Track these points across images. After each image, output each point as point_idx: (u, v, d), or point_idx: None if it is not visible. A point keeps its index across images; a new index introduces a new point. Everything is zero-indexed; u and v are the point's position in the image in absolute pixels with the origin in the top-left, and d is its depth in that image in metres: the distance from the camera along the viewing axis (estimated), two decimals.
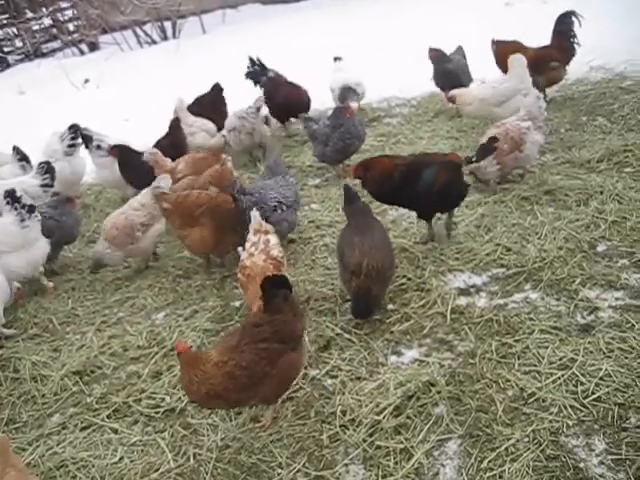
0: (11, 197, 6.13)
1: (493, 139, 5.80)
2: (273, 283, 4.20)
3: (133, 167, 7.46)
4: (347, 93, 8.64)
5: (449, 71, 8.52)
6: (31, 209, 6.18)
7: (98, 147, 8.10)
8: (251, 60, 9.70)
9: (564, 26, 8.30)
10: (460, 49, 9.07)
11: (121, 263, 6.54)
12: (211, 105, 8.99)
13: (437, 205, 5.76)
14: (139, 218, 6.28)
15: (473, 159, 5.68)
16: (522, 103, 7.14)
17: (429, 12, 13.58)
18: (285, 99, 8.93)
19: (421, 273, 5.44)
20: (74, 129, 8.16)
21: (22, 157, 8.12)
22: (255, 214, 5.37)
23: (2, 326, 5.89)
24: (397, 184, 5.60)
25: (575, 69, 8.89)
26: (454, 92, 7.74)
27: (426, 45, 9.11)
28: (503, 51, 8.20)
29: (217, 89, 9.32)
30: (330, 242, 6.17)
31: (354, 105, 7.87)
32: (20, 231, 6.07)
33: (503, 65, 8.02)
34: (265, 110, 8.69)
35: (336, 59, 9.16)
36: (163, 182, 6.33)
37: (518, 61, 7.53)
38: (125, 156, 7.58)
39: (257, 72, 9.59)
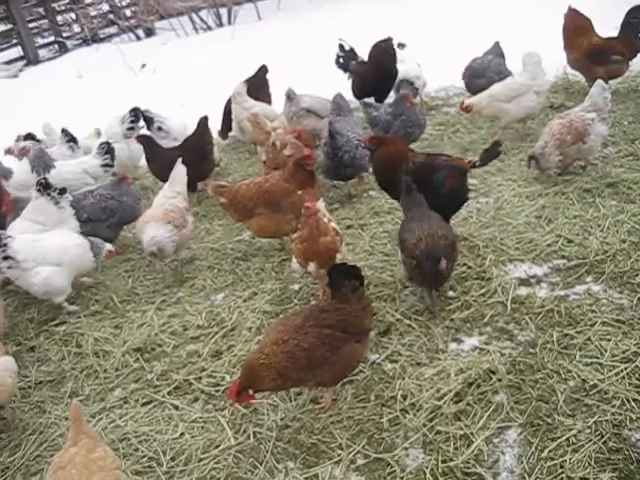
0: (42, 186, 6.33)
1: (497, 143, 5.69)
2: (342, 272, 4.21)
3: (158, 160, 7.54)
4: (404, 86, 8.57)
5: (482, 88, 8.08)
6: (62, 191, 6.40)
7: (159, 129, 8.21)
8: (341, 47, 9.31)
9: (634, 20, 8.12)
10: (496, 46, 8.80)
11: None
12: (256, 87, 8.86)
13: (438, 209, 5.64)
14: (181, 203, 6.37)
15: (477, 164, 5.62)
16: (534, 100, 7.23)
17: None
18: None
19: (481, 262, 5.42)
20: (134, 112, 8.28)
21: (70, 139, 8.31)
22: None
23: (66, 302, 6.04)
24: (399, 175, 5.58)
25: (638, 60, 8.72)
26: (468, 101, 7.61)
27: (485, 32, 9.02)
28: (572, 22, 8.17)
29: (262, 72, 9.27)
30: (390, 229, 6.18)
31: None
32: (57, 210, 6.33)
33: (566, 35, 8.08)
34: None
35: (400, 45, 9.07)
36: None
37: (532, 58, 7.43)
38: (150, 148, 7.68)
39: (347, 58, 9.21)
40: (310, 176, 6.02)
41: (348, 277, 4.18)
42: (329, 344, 4.04)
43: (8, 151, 7.79)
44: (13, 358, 4.82)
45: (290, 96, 8.34)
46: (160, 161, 7.40)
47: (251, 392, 4.01)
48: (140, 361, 5.22)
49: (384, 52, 8.56)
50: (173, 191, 6.40)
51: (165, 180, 6.70)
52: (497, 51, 8.73)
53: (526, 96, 7.32)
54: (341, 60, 9.22)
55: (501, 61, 8.61)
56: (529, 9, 12.02)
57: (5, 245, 5.80)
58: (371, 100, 8.31)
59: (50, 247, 5.98)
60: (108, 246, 6.37)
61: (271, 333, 4.16)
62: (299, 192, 5.90)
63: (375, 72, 8.60)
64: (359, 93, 8.78)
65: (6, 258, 5.80)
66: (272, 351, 4.00)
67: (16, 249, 5.82)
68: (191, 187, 6.89)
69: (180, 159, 6.54)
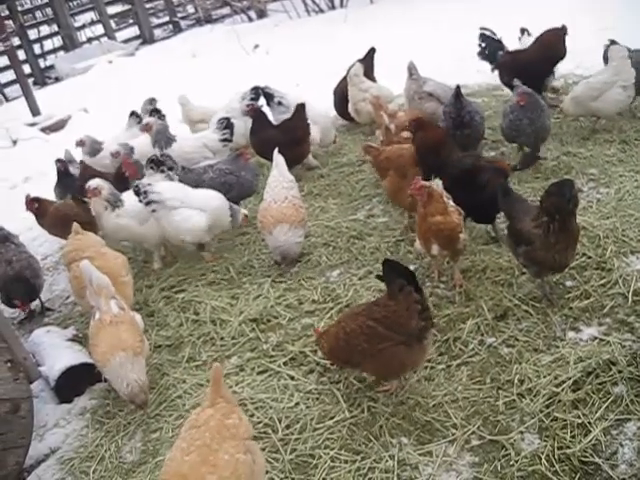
0: (154, 163, 6.83)
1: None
2: (392, 268, 4.18)
3: (259, 134, 7.75)
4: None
5: None
6: (171, 168, 6.90)
7: (279, 103, 8.33)
8: (483, 36, 8.55)
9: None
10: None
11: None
12: (365, 69, 8.70)
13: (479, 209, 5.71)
14: (298, 193, 6.43)
15: (517, 167, 5.49)
16: (621, 95, 6.98)
17: None
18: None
19: (602, 252, 5.30)
20: (255, 91, 8.47)
21: (140, 121, 8.63)
22: None
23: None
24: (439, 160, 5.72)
25: None
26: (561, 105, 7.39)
27: None
28: None
29: (370, 54, 9.20)
30: None
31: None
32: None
33: None
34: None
35: (523, 31, 8.89)
36: None
37: (616, 52, 7.13)
38: (257, 122, 7.84)
39: (493, 49, 8.48)
40: None
41: (398, 274, 4.12)
42: (368, 335, 4.13)
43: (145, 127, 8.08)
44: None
45: (412, 71, 8.30)
46: (260, 136, 7.59)
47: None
48: (256, 331, 5.38)
49: (557, 37, 8.00)
50: (289, 180, 6.35)
51: (260, 154, 7.10)
52: None
53: (611, 92, 7.08)
54: (486, 52, 8.57)
55: None
56: None
57: (145, 192, 6.20)
58: None
59: (194, 194, 6.45)
60: (244, 211, 6.66)
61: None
62: None
63: (539, 57, 8.03)
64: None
65: (149, 203, 6.24)
66: (329, 328, 4.52)
67: (159, 190, 6.24)
68: None
69: (277, 149, 6.53)
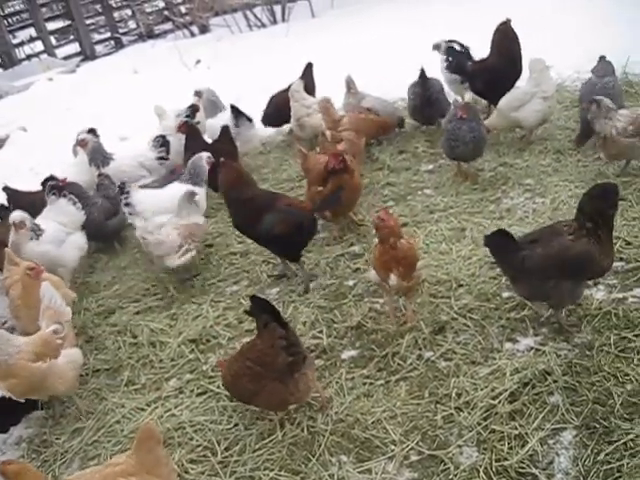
0: (56, 188, 6.79)
1: (340, 188, 5.87)
2: (258, 304, 4.14)
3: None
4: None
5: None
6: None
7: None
8: (450, 49, 8.58)
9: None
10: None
11: None
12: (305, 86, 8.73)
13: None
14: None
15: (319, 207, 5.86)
16: (542, 106, 7.17)
17: None
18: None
19: None
20: (192, 108, 8.42)
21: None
22: None
23: None
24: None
25: None
26: (486, 122, 7.45)
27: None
28: None
29: (309, 70, 9.22)
30: (444, 227, 6.17)
31: None
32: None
33: None
34: None
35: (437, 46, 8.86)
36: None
37: (536, 65, 7.32)
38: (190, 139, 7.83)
39: (461, 60, 8.50)
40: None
41: (263, 310, 4.10)
42: (249, 375, 4.11)
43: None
44: (80, 350, 4.95)
45: (350, 85, 8.36)
46: (193, 153, 7.40)
47: None
48: (195, 352, 5.31)
49: (506, 35, 8.07)
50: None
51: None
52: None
53: (533, 102, 7.25)
54: (454, 64, 8.57)
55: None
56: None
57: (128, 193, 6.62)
58: None
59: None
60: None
61: None
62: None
63: (503, 61, 8.06)
64: (489, 92, 8.25)
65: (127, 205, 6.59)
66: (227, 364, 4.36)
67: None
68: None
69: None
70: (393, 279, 4.74)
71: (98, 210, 7.00)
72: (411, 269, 4.78)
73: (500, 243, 4.58)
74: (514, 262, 4.51)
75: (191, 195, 6.40)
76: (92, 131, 8.22)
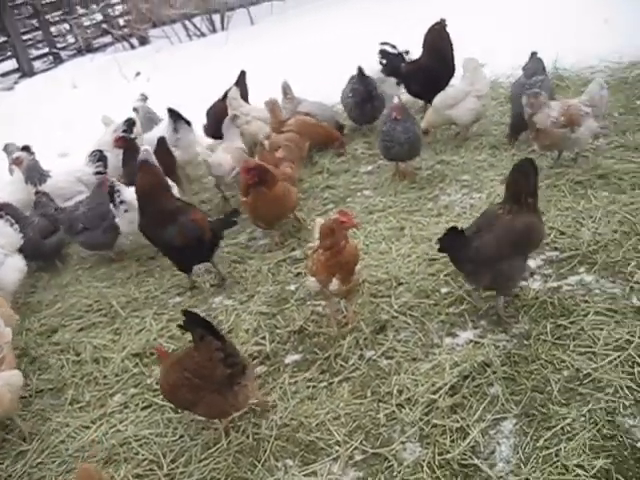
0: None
1: (235, 212, 6.09)
2: (192, 318, 4.12)
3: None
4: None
5: None
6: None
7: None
8: (383, 52, 8.64)
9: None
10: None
11: None
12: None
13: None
14: None
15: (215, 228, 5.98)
16: (475, 104, 7.32)
17: None
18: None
19: None
20: (128, 123, 8.36)
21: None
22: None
23: None
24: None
25: (629, 52, 8.83)
26: (423, 125, 7.63)
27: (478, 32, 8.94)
28: None
29: (242, 78, 9.20)
30: (383, 227, 6.23)
31: None
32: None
33: None
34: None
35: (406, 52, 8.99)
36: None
37: (469, 64, 7.51)
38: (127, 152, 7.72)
39: (395, 63, 8.59)
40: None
41: (197, 324, 4.10)
42: (188, 386, 4.10)
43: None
44: (20, 372, 4.86)
45: (286, 91, 8.39)
46: (130, 167, 7.22)
47: None
48: (139, 366, 5.27)
49: (439, 35, 8.21)
50: None
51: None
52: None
53: (466, 101, 7.40)
54: (388, 67, 8.67)
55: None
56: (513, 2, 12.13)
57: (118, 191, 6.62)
58: None
59: None
60: None
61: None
62: None
63: (435, 61, 8.20)
64: (424, 92, 8.33)
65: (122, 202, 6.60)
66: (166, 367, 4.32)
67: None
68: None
69: None
70: (334, 284, 4.74)
71: (34, 229, 6.90)
72: (352, 272, 4.79)
73: (453, 242, 4.64)
74: (470, 255, 4.59)
75: (234, 117, 7.52)
76: (26, 148, 8.10)
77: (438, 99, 7.57)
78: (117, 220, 6.69)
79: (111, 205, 6.68)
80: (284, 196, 6.22)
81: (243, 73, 9.23)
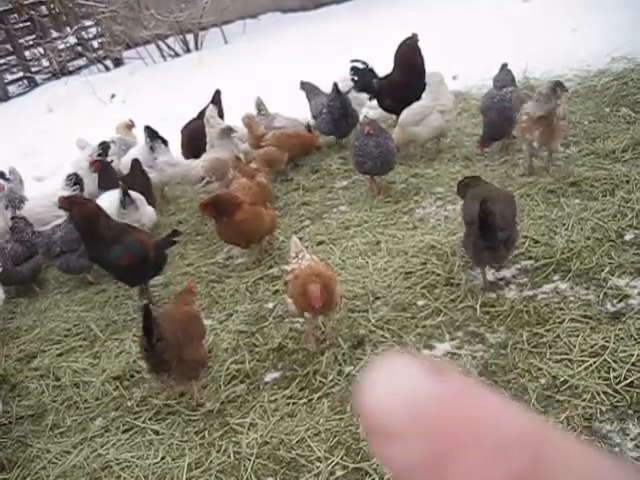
0: None
1: (175, 233, 6.42)
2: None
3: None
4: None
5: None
6: None
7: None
8: (355, 69, 8.68)
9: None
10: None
11: None
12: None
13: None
14: None
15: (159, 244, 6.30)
16: (439, 121, 7.36)
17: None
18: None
19: (450, 268, 5.50)
20: (103, 146, 8.38)
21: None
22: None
23: None
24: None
25: (597, 60, 8.94)
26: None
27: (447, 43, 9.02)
28: None
29: (217, 96, 9.26)
30: (359, 242, 6.26)
31: None
32: None
33: None
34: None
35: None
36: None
37: (433, 78, 7.57)
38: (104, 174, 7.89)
39: (367, 79, 8.64)
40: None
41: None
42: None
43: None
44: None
45: (260, 107, 8.45)
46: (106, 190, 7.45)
47: None
48: (120, 389, 5.24)
49: (411, 49, 8.29)
50: None
51: None
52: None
53: (431, 117, 7.45)
54: (360, 83, 8.71)
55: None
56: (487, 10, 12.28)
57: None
58: None
59: None
60: None
61: None
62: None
63: (408, 75, 8.20)
64: (397, 107, 8.13)
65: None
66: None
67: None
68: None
69: None
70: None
71: (5, 257, 6.87)
72: (333, 304, 4.84)
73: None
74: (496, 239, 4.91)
75: (229, 130, 7.74)
76: (0, 175, 8.07)
77: (403, 116, 7.60)
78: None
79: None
80: (253, 220, 6.11)
81: (218, 92, 9.27)
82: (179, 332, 4.66)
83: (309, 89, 8.86)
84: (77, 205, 6.23)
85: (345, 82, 8.66)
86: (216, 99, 9.14)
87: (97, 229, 6.07)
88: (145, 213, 7.21)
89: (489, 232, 4.84)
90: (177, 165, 8.31)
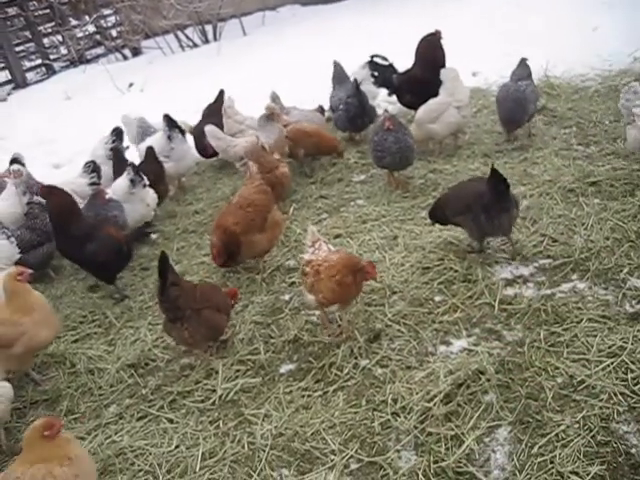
0: None
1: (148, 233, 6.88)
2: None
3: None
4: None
5: None
6: None
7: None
8: (374, 64, 8.84)
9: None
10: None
11: None
12: (218, 111, 8.78)
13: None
14: None
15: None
16: (455, 117, 7.35)
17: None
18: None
19: (468, 265, 5.49)
20: (116, 132, 8.39)
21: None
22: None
23: None
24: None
25: (618, 60, 8.89)
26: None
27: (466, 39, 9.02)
28: None
29: (221, 96, 9.25)
30: (376, 236, 6.25)
31: None
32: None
33: None
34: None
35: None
36: None
37: (448, 74, 7.54)
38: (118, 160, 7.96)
39: (387, 74, 8.75)
40: None
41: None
42: None
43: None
44: (9, 384, 4.83)
45: (274, 100, 8.44)
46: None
47: None
48: (134, 377, 5.26)
49: (433, 45, 8.30)
50: None
51: None
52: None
53: (447, 113, 7.43)
54: (380, 79, 8.82)
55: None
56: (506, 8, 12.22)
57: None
58: None
59: None
60: None
61: None
62: None
63: (428, 71, 8.10)
64: (417, 103, 7.98)
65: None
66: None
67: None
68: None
69: None
70: (335, 307, 4.97)
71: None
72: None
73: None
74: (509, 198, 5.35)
75: (271, 115, 7.79)
76: (16, 160, 8.04)
77: (420, 113, 7.58)
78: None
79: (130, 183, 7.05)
80: (259, 243, 6.09)
81: (222, 92, 9.31)
82: (198, 292, 5.06)
83: (338, 72, 8.86)
84: (54, 196, 6.39)
85: (360, 72, 8.75)
86: (219, 98, 9.23)
87: (70, 222, 6.27)
88: (149, 194, 7.32)
89: (503, 191, 5.25)
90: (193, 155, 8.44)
